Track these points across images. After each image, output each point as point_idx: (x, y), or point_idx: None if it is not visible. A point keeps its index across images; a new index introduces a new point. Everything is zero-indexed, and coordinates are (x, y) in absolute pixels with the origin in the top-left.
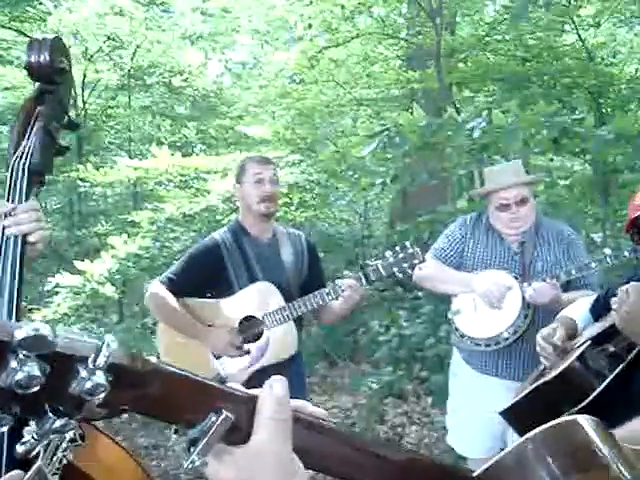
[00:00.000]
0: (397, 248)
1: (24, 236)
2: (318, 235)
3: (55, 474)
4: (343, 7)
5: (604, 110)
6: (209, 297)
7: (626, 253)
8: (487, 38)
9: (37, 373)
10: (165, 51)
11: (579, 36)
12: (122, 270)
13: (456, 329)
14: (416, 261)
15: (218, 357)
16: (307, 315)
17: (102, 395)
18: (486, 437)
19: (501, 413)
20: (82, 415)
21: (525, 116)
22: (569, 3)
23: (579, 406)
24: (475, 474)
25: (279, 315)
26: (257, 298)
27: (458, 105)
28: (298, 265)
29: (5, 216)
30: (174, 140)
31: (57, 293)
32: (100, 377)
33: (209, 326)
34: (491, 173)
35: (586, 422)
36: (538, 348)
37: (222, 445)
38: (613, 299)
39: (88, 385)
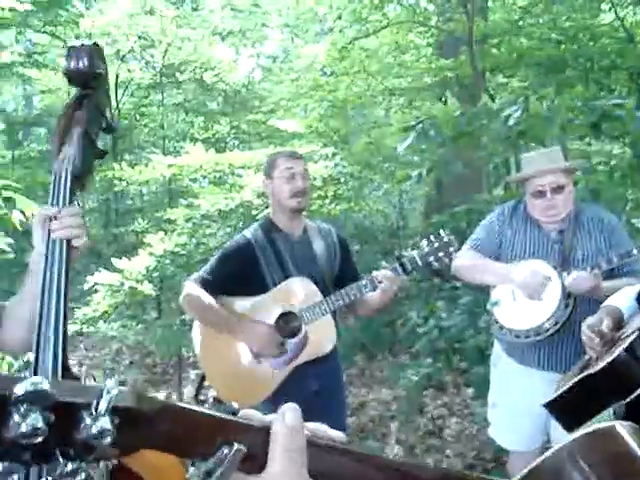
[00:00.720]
0: (432, 237)
1: (68, 240)
2: (353, 227)
3: None
4: None
5: None
6: (243, 295)
7: None
8: (520, 22)
9: (40, 425)
10: (196, 48)
11: (617, 15)
12: (159, 268)
13: (495, 321)
14: (451, 249)
15: (257, 356)
16: (341, 308)
17: (109, 439)
18: (528, 430)
19: (545, 405)
20: (95, 457)
21: (562, 101)
22: None
23: (627, 399)
24: None
25: (317, 309)
26: (293, 293)
27: (492, 91)
28: (331, 259)
29: (50, 220)
30: (207, 136)
31: (96, 291)
32: (105, 422)
33: (248, 322)
34: (527, 159)
35: (624, 429)
36: (584, 338)
37: (239, 475)
38: None
39: (93, 430)
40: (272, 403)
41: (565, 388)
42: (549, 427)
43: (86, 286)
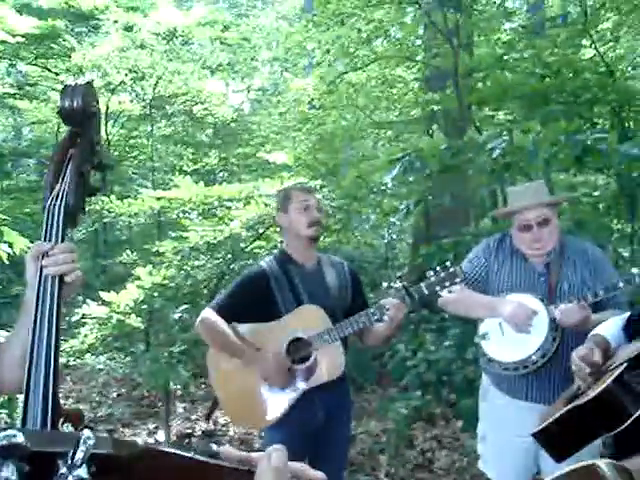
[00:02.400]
0: (438, 268)
1: (61, 276)
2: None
3: None
4: (360, 31)
5: (626, 124)
6: (257, 321)
7: None
8: (505, 57)
9: (15, 478)
10: (186, 81)
11: (597, 50)
12: (147, 300)
13: (484, 354)
14: (457, 279)
15: (269, 383)
16: (352, 338)
17: None
18: (518, 462)
19: (534, 435)
20: None
21: (546, 135)
22: (586, 18)
23: (615, 431)
24: None
25: (326, 336)
26: (304, 320)
27: (478, 124)
28: (342, 291)
29: (43, 256)
30: (196, 168)
31: (84, 324)
32: (81, 471)
33: (258, 350)
34: (513, 193)
35: (605, 466)
36: (574, 367)
37: None
38: None
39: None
40: (279, 428)
41: (554, 418)
42: (539, 459)
43: (74, 318)
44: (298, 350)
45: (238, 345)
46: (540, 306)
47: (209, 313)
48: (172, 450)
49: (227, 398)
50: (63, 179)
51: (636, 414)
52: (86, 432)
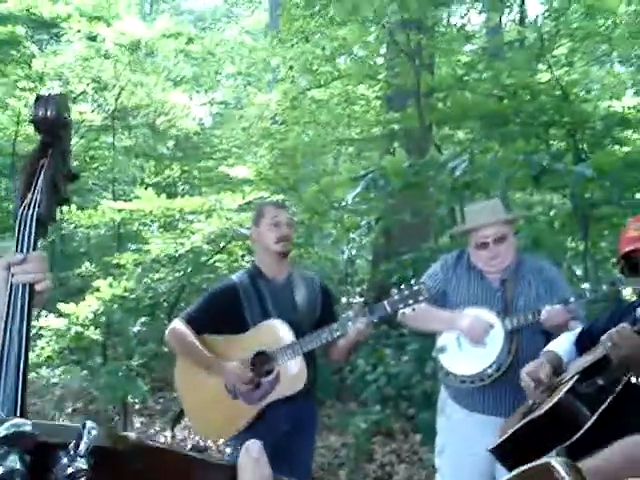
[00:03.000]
0: (402, 286)
1: (31, 285)
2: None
3: None
4: (324, 49)
5: (580, 146)
6: (225, 333)
7: (604, 287)
8: (465, 78)
9: (19, 467)
10: (149, 93)
11: (553, 74)
12: (107, 312)
13: (441, 367)
14: (421, 297)
15: (234, 394)
16: (319, 352)
17: (83, 479)
18: (475, 475)
19: (491, 450)
20: None
21: (505, 155)
22: (542, 43)
23: (569, 441)
24: None
25: (289, 350)
26: (268, 334)
27: (438, 143)
28: (311, 307)
29: (14, 265)
30: (157, 181)
31: (41, 336)
32: (81, 462)
33: (225, 361)
34: (470, 212)
35: (558, 464)
36: (523, 384)
37: None
38: (603, 337)
39: (69, 471)
40: (242, 439)
41: (509, 433)
42: (495, 471)
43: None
44: (262, 363)
45: (205, 356)
46: (496, 320)
47: (178, 324)
48: (165, 445)
49: (193, 408)
50: (35, 188)
51: (587, 425)
52: (89, 423)
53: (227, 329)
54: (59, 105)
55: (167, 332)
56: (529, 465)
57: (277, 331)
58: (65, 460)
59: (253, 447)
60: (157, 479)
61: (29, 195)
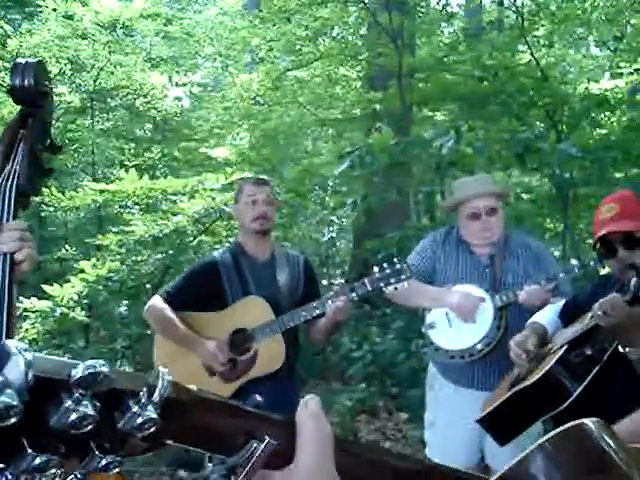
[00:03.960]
0: (385, 264)
1: (12, 254)
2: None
3: None
4: (307, 27)
5: (559, 127)
6: (204, 310)
7: (592, 263)
8: (446, 59)
9: (92, 412)
10: (128, 74)
11: (533, 56)
12: (91, 294)
13: (431, 342)
14: (403, 276)
15: (210, 371)
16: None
17: (152, 430)
18: (465, 447)
19: (479, 421)
20: (125, 450)
21: (489, 134)
22: (522, 24)
23: (558, 409)
24: None
25: (268, 328)
26: (247, 311)
27: (418, 124)
28: (293, 286)
29: None
30: (138, 163)
31: (25, 318)
32: (152, 412)
33: (203, 338)
34: (461, 184)
35: (592, 425)
36: (512, 354)
37: (264, 471)
38: (594, 306)
39: (139, 420)
40: None
41: (498, 403)
42: (484, 443)
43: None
44: (240, 341)
45: (183, 333)
46: (485, 296)
47: (157, 300)
48: (224, 399)
49: None
50: (14, 160)
51: (575, 393)
52: (162, 369)
53: (207, 306)
54: (37, 73)
55: (146, 308)
56: (562, 427)
57: (257, 308)
58: (136, 409)
59: (312, 402)
60: (217, 432)
61: (7, 167)
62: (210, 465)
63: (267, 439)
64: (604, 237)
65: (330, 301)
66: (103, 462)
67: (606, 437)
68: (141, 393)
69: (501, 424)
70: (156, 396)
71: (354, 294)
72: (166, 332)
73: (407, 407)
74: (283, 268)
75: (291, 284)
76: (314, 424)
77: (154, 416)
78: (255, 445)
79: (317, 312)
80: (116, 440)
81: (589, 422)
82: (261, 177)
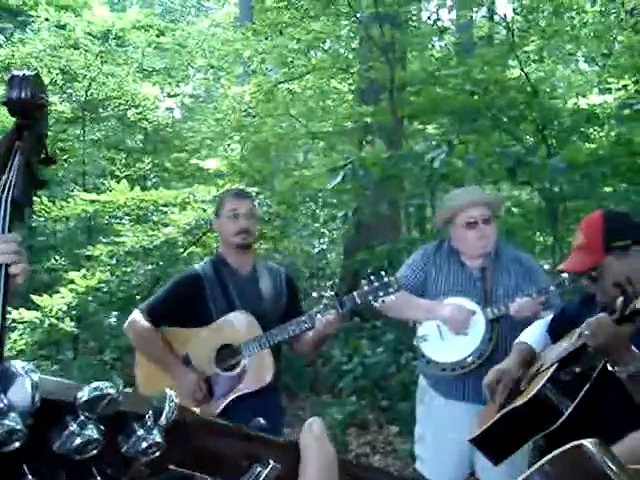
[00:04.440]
0: (372, 277)
1: (7, 266)
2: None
3: None
4: (299, 40)
5: (549, 141)
6: (188, 325)
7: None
8: (437, 73)
9: (97, 436)
10: (120, 84)
11: (523, 70)
12: (81, 305)
13: (422, 355)
14: (391, 289)
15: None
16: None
17: (156, 454)
18: (455, 461)
19: (471, 440)
20: (128, 477)
21: (481, 147)
22: (513, 39)
23: (551, 428)
24: None
25: (255, 343)
26: (234, 327)
27: (408, 137)
28: (276, 298)
29: None
30: (129, 174)
31: (14, 329)
32: (157, 435)
33: (184, 357)
34: (454, 195)
35: (591, 445)
36: (486, 390)
37: None
38: (582, 326)
39: (144, 445)
40: None
41: (490, 423)
42: (473, 458)
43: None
44: (227, 357)
45: (163, 356)
46: (477, 308)
47: (138, 316)
48: (227, 422)
49: None
50: (10, 171)
51: (569, 410)
52: (169, 392)
53: (190, 320)
54: (34, 86)
55: (126, 324)
56: (560, 449)
57: (243, 324)
58: (141, 432)
59: (315, 425)
60: (220, 456)
61: (3, 177)
62: None
63: (272, 463)
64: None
65: (319, 315)
66: None
67: (606, 458)
68: (147, 416)
69: (494, 444)
70: (163, 419)
71: (344, 308)
72: (146, 351)
73: (397, 420)
74: (265, 281)
75: (274, 296)
76: (318, 447)
77: (159, 440)
78: (259, 469)
79: (306, 326)
80: (119, 465)
81: (588, 443)
82: (243, 189)
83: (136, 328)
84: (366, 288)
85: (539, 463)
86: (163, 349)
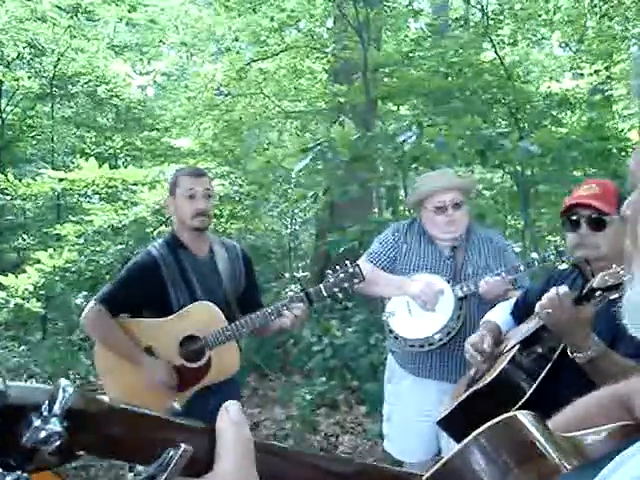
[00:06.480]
0: (337, 267)
1: None
2: (247, 248)
3: None
4: (272, 19)
5: (522, 125)
6: (147, 314)
7: (552, 257)
8: (411, 54)
9: None
10: (90, 60)
11: (497, 54)
12: (48, 285)
13: (390, 331)
14: (356, 280)
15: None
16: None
17: (57, 443)
18: (422, 440)
19: (438, 423)
20: (34, 466)
21: (453, 129)
22: (487, 23)
23: (512, 409)
24: (423, 479)
25: (222, 335)
26: (199, 317)
27: (382, 118)
28: (235, 277)
29: None
30: (99, 152)
31: None
32: (55, 425)
33: (147, 349)
34: (426, 178)
35: (523, 416)
36: (467, 355)
37: (184, 479)
38: (538, 305)
39: (42, 434)
40: None
41: (454, 405)
42: (440, 437)
43: None
44: (191, 348)
45: (126, 345)
46: (446, 286)
47: (94, 307)
48: (138, 408)
49: (116, 394)
50: None
51: (528, 393)
52: (64, 381)
53: (149, 307)
54: None
55: (82, 317)
56: (495, 420)
57: (207, 314)
58: (38, 422)
59: (232, 409)
60: (130, 444)
61: None
62: (131, 475)
63: (182, 446)
64: (574, 207)
65: (286, 309)
66: (8, 479)
67: (536, 428)
68: (43, 407)
69: (459, 425)
70: (57, 408)
71: (311, 303)
72: (108, 344)
73: (367, 401)
74: (224, 262)
75: (233, 277)
76: (234, 430)
77: (58, 429)
78: (171, 453)
79: (272, 318)
80: (22, 455)
81: (520, 414)
82: (198, 168)
83: (93, 321)
84: (332, 280)
85: (474, 434)
86: (126, 340)
